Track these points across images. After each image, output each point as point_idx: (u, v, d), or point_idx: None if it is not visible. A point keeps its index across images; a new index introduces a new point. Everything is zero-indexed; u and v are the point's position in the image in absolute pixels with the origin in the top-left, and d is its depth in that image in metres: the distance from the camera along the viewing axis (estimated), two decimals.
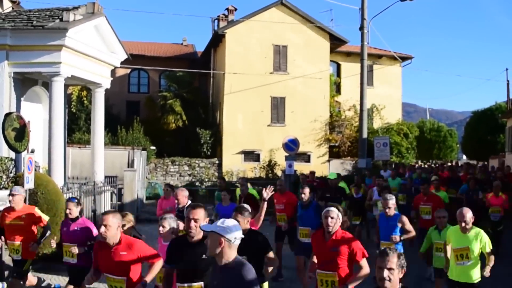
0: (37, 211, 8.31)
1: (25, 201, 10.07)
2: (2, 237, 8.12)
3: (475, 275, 6.60)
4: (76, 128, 28.58)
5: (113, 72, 28.54)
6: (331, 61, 32.44)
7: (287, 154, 19.23)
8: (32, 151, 13.61)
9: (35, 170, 12.97)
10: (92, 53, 14.63)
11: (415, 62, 35.77)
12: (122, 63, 17.04)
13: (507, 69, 37.58)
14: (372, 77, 33.76)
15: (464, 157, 44.49)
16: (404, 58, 35.10)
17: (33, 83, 14.79)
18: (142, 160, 22.86)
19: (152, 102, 32.83)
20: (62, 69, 13.21)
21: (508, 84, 36.59)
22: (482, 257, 6.74)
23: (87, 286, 5.03)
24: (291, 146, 19.21)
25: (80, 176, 16.96)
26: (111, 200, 15.78)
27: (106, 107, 28.50)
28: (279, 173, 23.98)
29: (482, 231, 6.67)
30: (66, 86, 16.03)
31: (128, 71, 33.84)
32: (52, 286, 9.41)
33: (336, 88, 33.90)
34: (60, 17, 13.28)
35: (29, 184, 10.04)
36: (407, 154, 31.18)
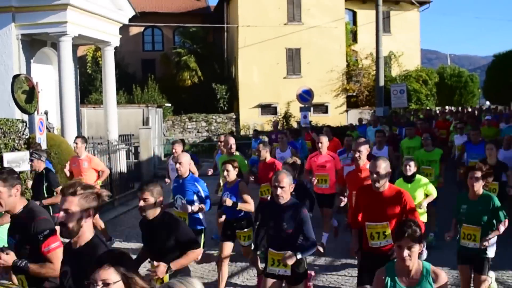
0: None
1: None
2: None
3: None
4: (93, 89, 28.66)
5: (126, 31, 28.40)
6: (346, 9, 31.66)
7: (302, 105, 19.07)
8: (46, 113, 13.76)
9: (49, 131, 13.13)
10: (98, 11, 14.49)
11: (433, 6, 34.71)
12: (134, 21, 16.87)
13: None
14: (389, 24, 32.93)
15: (487, 102, 43.59)
16: (421, 3, 33.99)
17: (42, 44, 14.77)
18: (158, 118, 22.90)
19: (167, 59, 32.62)
20: (69, 28, 13.14)
21: None
22: None
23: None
24: (305, 97, 19.02)
25: (95, 136, 17.07)
26: (127, 158, 15.89)
27: (122, 67, 28.57)
28: (294, 125, 23.87)
29: None
30: (76, 46, 15.97)
31: (142, 29, 33.54)
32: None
33: (353, 36, 33.18)
34: None
35: (42, 145, 10.17)
36: (426, 101, 30.67)
